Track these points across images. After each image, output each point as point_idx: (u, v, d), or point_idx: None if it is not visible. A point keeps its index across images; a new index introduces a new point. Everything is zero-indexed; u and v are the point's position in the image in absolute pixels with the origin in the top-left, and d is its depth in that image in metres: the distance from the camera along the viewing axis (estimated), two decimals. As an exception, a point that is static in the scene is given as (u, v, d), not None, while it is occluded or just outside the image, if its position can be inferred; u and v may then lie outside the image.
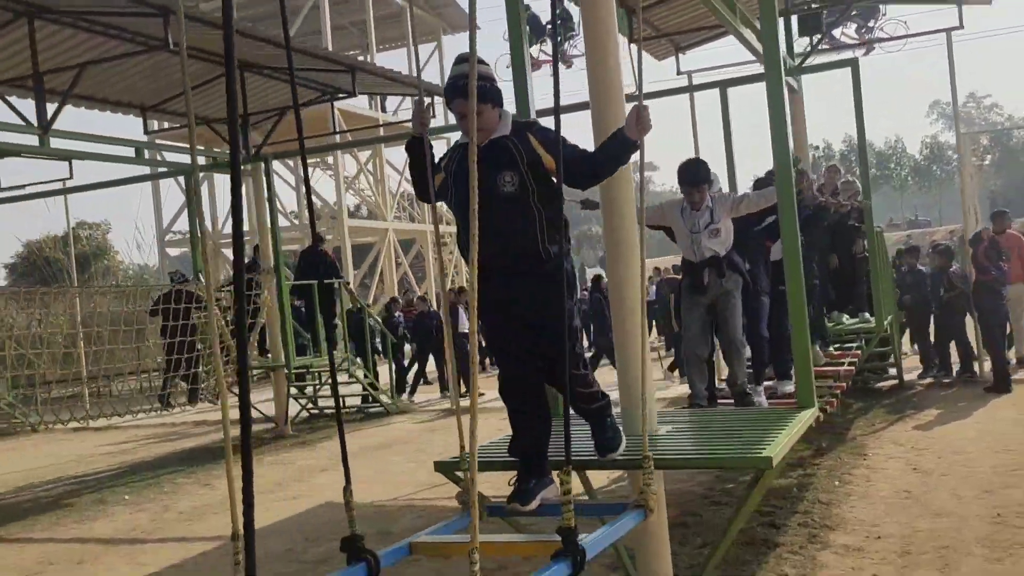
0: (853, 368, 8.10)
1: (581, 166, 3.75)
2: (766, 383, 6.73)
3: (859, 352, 8.89)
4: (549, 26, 22.49)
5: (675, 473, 7.35)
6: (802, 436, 8.15)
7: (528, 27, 22.90)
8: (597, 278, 16.86)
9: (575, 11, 20.91)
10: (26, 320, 12.93)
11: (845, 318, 9.68)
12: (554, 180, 3.72)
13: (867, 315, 9.65)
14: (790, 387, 6.63)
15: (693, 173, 5.94)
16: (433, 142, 4.08)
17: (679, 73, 12.79)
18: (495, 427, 7.54)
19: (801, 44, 11.56)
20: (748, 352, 6.47)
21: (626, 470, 3.84)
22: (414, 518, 6.80)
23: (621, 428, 3.98)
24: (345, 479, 3.03)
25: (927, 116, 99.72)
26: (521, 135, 3.75)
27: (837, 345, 9.24)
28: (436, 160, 3.94)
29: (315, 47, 11.47)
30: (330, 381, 11.51)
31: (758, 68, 9.09)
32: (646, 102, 3.68)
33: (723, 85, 10.33)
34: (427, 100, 4.09)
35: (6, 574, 6.43)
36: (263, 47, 10.18)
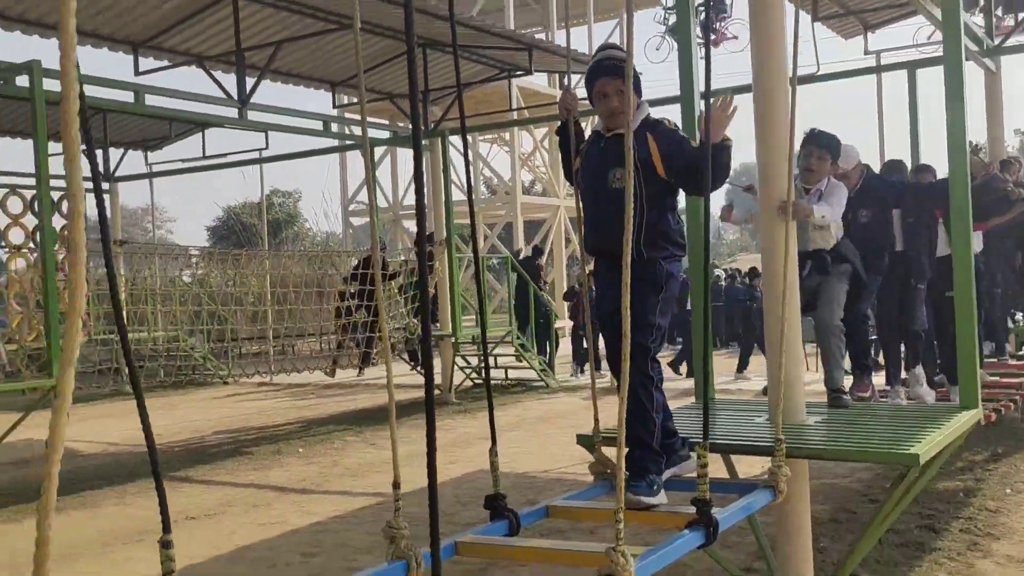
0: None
1: (688, 176, 3.69)
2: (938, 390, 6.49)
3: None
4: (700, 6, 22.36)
5: (834, 468, 7.15)
6: (978, 440, 7.82)
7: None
8: (752, 269, 17.10)
9: None
10: (222, 280, 14.00)
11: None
12: (667, 183, 3.71)
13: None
14: None
15: (816, 135, 5.42)
16: (586, 124, 4.15)
17: (867, 53, 12.22)
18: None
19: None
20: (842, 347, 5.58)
21: (760, 455, 3.80)
22: (563, 489, 6.95)
23: (661, 485, 3.49)
24: (492, 440, 3.23)
25: None
26: (642, 135, 3.69)
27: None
28: (579, 145, 3.99)
29: (492, 25, 11.71)
30: (491, 353, 11.74)
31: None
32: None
33: (911, 66, 9.81)
34: (576, 80, 4.21)
35: (192, 511, 7.05)
36: (446, 24, 10.51)
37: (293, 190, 39.41)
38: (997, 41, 9.81)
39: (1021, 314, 9.17)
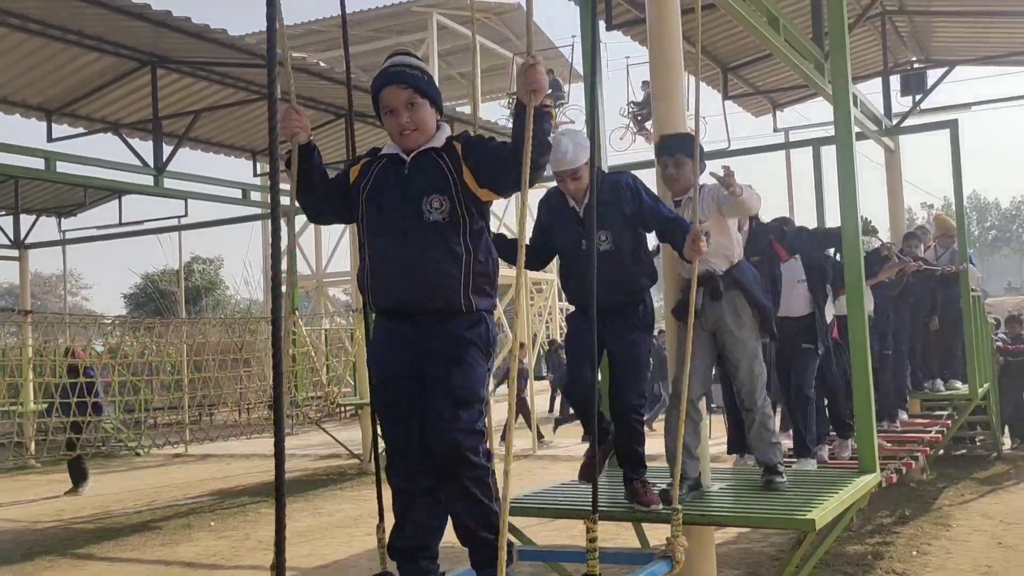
0: (940, 436, 7.84)
1: (499, 167, 2.96)
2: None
3: (949, 421, 8.60)
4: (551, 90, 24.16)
5: (749, 533, 7.23)
6: (885, 502, 8.00)
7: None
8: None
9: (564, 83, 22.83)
10: (139, 349, 13.68)
11: (939, 383, 9.36)
12: (483, 205, 3.08)
13: (958, 383, 9.32)
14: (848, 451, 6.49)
15: (661, 142, 4.39)
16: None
17: (776, 130, 12.74)
18: (564, 474, 7.55)
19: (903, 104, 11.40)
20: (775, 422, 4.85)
21: (658, 523, 3.84)
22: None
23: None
24: (379, 517, 3.17)
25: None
26: (448, 145, 3.09)
27: (926, 412, 8.96)
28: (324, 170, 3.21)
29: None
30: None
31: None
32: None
33: (816, 143, 10.27)
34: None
35: (94, 590, 6.77)
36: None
37: (215, 256, 38.87)
38: (895, 122, 10.34)
39: (934, 381, 9.45)
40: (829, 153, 10.27)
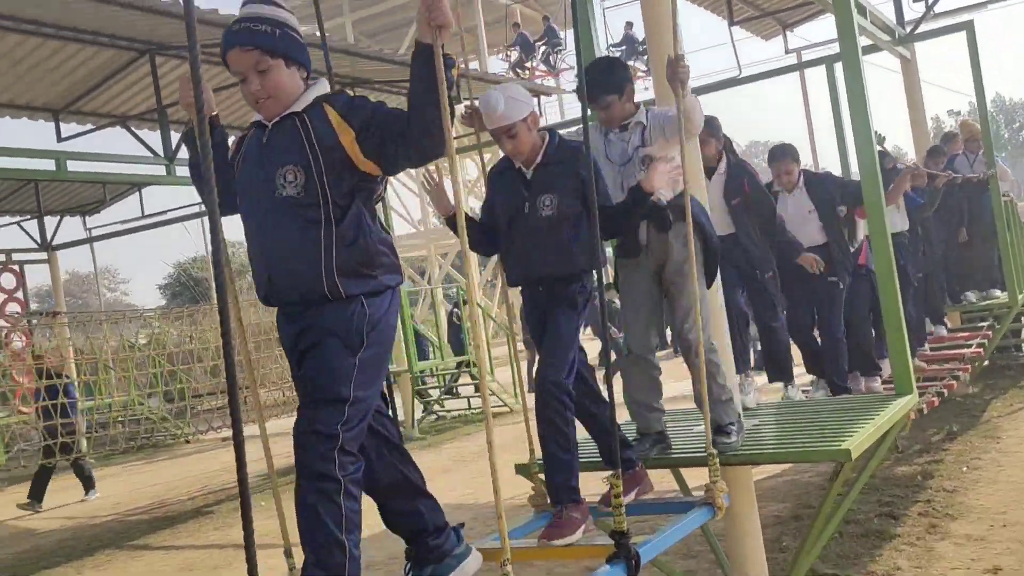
0: (981, 350, 7.70)
1: (400, 134, 2.53)
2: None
3: (990, 332, 8.42)
4: (537, 42, 24.03)
5: (797, 465, 7.16)
6: (933, 420, 7.88)
7: (518, 47, 25.03)
8: None
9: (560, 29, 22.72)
10: (178, 338, 13.80)
11: (972, 296, 9.16)
12: (365, 176, 2.63)
13: (997, 292, 9.11)
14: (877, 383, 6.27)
15: (584, 83, 3.52)
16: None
17: (787, 52, 12.42)
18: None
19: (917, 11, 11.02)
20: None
21: (693, 467, 3.79)
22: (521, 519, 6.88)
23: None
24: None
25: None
26: (318, 110, 2.64)
27: (966, 324, 8.79)
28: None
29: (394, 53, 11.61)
30: (455, 384, 11.49)
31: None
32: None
33: (829, 61, 9.98)
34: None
35: (152, 579, 6.90)
36: (373, 64, 10.42)
37: (241, 240, 39.09)
38: (908, 29, 10.01)
39: (970, 293, 9.25)
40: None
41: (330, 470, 2.48)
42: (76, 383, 10.32)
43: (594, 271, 3.42)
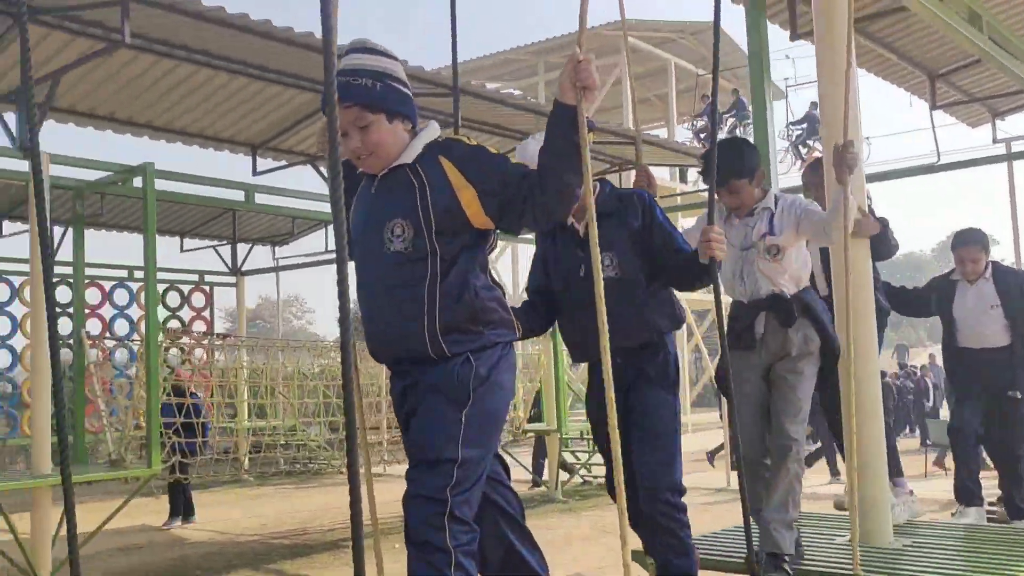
0: None
1: (519, 188, 2.41)
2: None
3: None
4: (725, 114, 23.39)
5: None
6: None
7: (706, 116, 24.47)
8: None
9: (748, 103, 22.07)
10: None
11: None
12: (477, 233, 2.53)
13: None
14: None
15: (721, 159, 3.44)
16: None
17: (995, 141, 11.62)
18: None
19: None
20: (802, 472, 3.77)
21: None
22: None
23: None
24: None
25: None
26: (431, 160, 2.54)
27: None
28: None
29: (604, 122, 11.72)
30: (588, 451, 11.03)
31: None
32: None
33: (1040, 153, 9.25)
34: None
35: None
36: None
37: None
38: None
39: None
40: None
41: (439, 539, 2.38)
42: (203, 402, 10.28)
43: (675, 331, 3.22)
